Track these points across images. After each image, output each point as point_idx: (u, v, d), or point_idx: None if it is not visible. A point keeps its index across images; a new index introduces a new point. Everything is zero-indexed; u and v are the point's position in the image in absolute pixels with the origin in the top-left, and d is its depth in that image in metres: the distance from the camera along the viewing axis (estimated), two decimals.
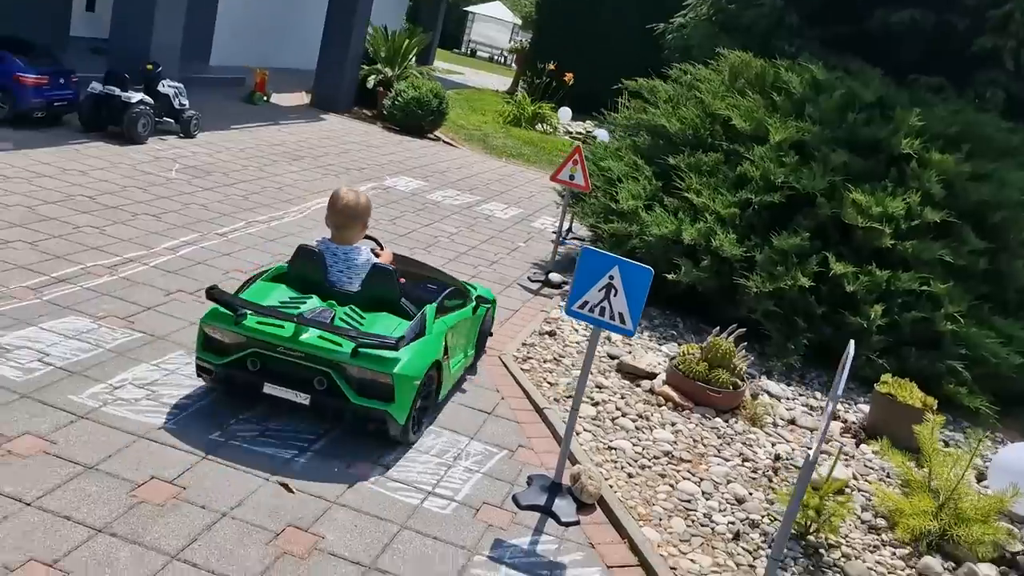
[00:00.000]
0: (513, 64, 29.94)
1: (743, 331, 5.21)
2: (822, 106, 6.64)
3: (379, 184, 9.43)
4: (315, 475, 3.56)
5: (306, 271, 4.13)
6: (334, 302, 4.00)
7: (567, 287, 6.95)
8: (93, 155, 7.85)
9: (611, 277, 3.46)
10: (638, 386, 5.11)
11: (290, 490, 3.42)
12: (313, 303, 3.95)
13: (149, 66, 8.99)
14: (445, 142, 13.55)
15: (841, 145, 6.41)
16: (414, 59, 14.77)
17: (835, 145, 6.40)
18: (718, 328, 5.20)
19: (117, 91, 8.42)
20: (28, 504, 3.01)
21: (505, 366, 5.08)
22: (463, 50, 41.54)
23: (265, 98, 12.78)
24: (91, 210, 6.32)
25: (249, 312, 3.76)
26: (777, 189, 6.26)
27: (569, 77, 17.33)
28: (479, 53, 42.02)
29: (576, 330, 5.95)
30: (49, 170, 7.06)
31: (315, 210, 7.69)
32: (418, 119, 13.24)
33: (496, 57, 41.03)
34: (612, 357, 5.54)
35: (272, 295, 3.98)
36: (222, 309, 3.78)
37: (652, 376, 5.22)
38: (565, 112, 17.81)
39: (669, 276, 6.16)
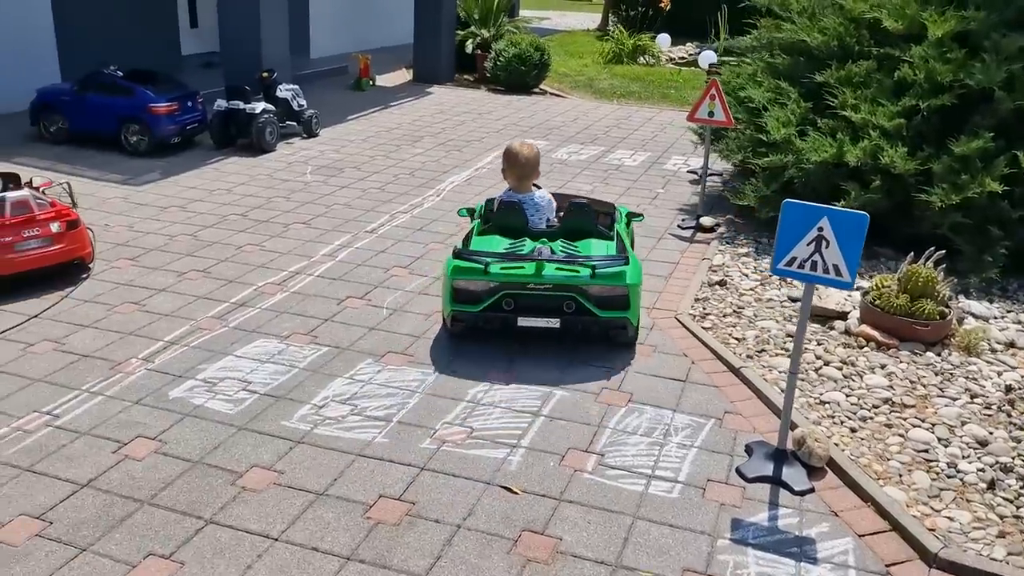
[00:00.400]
0: None
1: (941, 253, 4.80)
2: None
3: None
4: (532, 473, 3.51)
5: (509, 220, 4.69)
6: (545, 239, 4.57)
7: (721, 229, 6.65)
8: (232, 171, 8.06)
9: (820, 229, 3.20)
10: (831, 328, 4.81)
11: (514, 492, 3.39)
12: (529, 244, 4.52)
13: (265, 74, 9.13)
14: (552, 94, 13.24)
15: (1013, 29, 5.76)
16: (505, 15, 14.44)
17: (1006, 29, 5.76)
18: (911, 254, 4.81)
19: (241, 104, 8.59)
20: (276, 539, 3.09)
21: (685, 327, 4.89)
22: None
23: (371, 83, 12.82)
24: (246, 228, 6.48)
25: (491, 261, 4.31)
26: (946, 90, 5.70)
27: (666, 3, 16.56)
28: None
29: (746, 275, 5.67)
30: (197, 193, 7.29)
31: (451, 190, 7.65)
32: (522, 76, 12.98)
33: None
34: (793, 300, 5.25)
35: (493, 246, 4.52)
36: (468, 264, 4.32)
37: (843, 316, 4.90)
38: (664, 39, 17.05)
39: (837, 203, 5.76)
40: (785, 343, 4.61)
